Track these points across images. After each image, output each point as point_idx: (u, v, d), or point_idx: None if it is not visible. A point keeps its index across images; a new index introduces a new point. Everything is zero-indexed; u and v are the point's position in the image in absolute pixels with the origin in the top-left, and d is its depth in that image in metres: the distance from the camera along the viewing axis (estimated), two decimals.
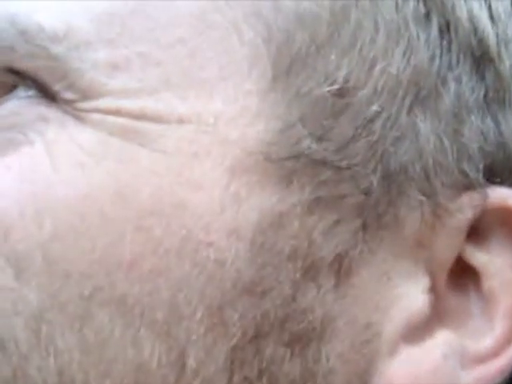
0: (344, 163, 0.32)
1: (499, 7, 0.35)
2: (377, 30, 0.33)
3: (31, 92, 0.34)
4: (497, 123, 0.34)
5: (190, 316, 0.32)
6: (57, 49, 0.34)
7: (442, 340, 0.33)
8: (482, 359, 0.33)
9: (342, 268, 0.32)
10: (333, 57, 0.33)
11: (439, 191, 0.33)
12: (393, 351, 0.33)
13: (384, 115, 0.32)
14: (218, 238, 0.32)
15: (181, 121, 0.33)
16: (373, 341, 0.32)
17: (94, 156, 0.33)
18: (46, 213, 0.33)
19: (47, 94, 0.34)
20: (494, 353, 0.33)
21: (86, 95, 0.34)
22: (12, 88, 0.35)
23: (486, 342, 0.33)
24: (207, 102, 0.33)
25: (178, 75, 0.33)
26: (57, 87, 0.34)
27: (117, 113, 0.33)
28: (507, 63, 0.34)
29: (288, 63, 0.33)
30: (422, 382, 0.32)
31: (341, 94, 0.32)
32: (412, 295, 0.33)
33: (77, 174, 0.33)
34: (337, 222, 0.32)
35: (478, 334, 0.33)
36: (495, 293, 0.33)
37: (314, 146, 0.32)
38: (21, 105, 0.34)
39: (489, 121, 0.34)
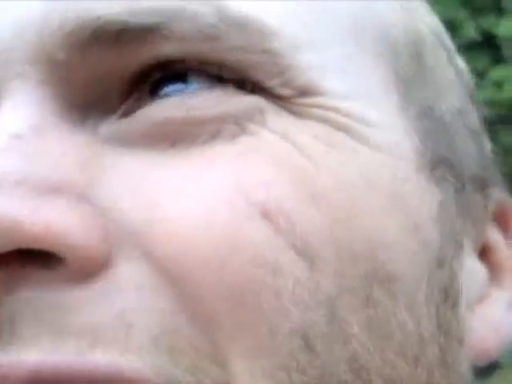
0: (456, 166, 0.40)
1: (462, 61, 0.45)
2: (437, 67, 0.41)
3: (213, 84, 0.34)
4: (486, 145, 0.45)
5: (422, 288, 0.37)
6: (275, 45, 0.35)
7: (495, 296, 0.42)
8: (511, 305, 0.42)
9: (462, 246, 0.40)
10: (428, 86, 0.40)
11: (486, 187, 0.43)
12: (472, 313, 0.40)
13: (458, 134, 0.41)
14: (426, 222, 0.37)
15: (375, 126, 0.37)
16: (467, 305, 0.40)
17: (333, 145, 0.35)
18: (321, 198, 0.34)
19: (249, 88, 0.35)
20: None
21: (305, 92, 0.36)
22: (160, 80, 0.34)
23: (507, 294, 0.42)
24: (382, 112, 0.37)
25: (360, 85, 0.37)
26: (272, 83, 0.35)
27: (336, 110, 0.36)
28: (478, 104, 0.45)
29: (408, 87, 0.39)
30: (499, 331, 0.41)
31: (442, 115, 0.40)
32: (476, 267, 0.41)
33: (329, 160, 0.35)
34: (457, 212, 0.40)
35: (501, 289, 0.42)
36: (503, 262, 0.43)
37: (444, 151, 0.40)
38: (221, 95, 0.34)
39: (484, 142, 0.44)
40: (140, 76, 0.34)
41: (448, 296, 0.38)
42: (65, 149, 0.32)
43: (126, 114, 0.34)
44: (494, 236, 0.43)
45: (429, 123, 0.39)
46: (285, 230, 0.32)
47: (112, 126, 0.34)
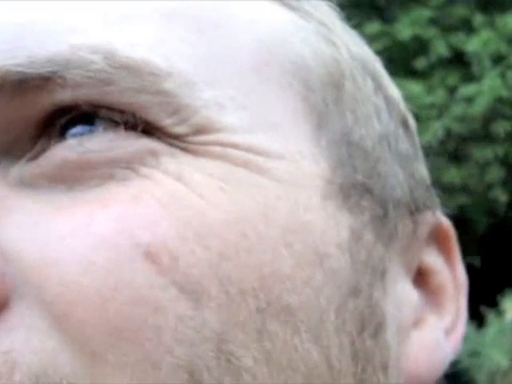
0: (376, 192, 0.40)
1: (395, 89, 0.45)
2: (360, 96, 0.41)
3: (112, 127, 0.34)
4: (422, 168, 0.44)
5: (329, 319, 0.36)
6: (167, 85, 0.35)
7: (432, 322, 0.41)
8: (448, 332, 0.42)
9: (384, 274, 0.39)
10: (347, 113, 0.40)
11: (415, 213, 0.42)
12: (408, 337, 0.40)
13: (381, 160, 0.41)
14: (333, 251, 0.37)
15: (278, 156, 0.36)
16: (397, 332, 0.39)
17: (229, 182, 0.35)
18: (209, 235, 0.33)
19: (142, 128, 0.34)
20: (453, 327, 0.42)
21: (201, 130, 0.35)
22: (63, 125, 0.34)
23: (446, 320, 0.42)
24: (287, 142, 0.37)
25: (259, 118, 0.37)
26: (165, 122, 0.35)
27: (234, 146, 0.35)
28: (412, 129, 0.45)
29: (322, 116, 0.39)
30: (433, 354, 0.40)
31: (360, 141, 0.40)
32: (409, 292, 0.41)
33: (222, 198, 0.34)
34: (377, 237, 0.39)
35: (438, 315, 0.42)
36: (442, 285, 0.42)
37: (360, 177, 0.39)
38: (114, 138, 0.34)
39: (419, 167, 0.44)
40: (46, 120, 0.35)
41: (366, 324, 0.37)
42: None
43: (33, 158, 0.35)
44: (432, 259, 0.42)
45: (344, 150, 0.39)
46: (167, 269, 0.32)
47: (20, 169, 0.35)
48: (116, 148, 0.34)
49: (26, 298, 0.32)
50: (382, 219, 0.40)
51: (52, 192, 0.34)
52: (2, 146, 0.35)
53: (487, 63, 8.43)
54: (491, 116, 8.27)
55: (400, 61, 7.62)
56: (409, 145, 0.44)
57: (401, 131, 0.43)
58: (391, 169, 0.41)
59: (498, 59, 8.44)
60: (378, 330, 0.38)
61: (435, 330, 0.41)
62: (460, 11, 8.87)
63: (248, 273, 0.34)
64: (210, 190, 0.34)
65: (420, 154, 0.45)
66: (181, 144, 0.35)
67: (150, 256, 0.32)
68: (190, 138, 0.35)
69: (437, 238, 0.43)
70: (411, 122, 0.45)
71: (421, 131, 0.49)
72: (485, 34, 8.46)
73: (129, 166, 0.34)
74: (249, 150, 0.36)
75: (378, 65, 0.44)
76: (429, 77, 8.17)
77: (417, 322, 0.40)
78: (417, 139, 0.45)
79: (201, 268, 0.33)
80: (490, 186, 8.33)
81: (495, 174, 8.42)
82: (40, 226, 0.33)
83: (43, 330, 0.32)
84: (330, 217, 0.37)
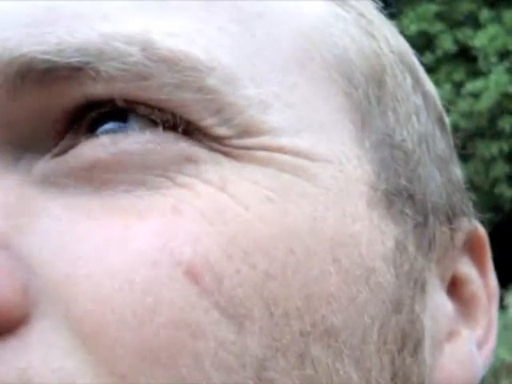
0: (417, 198, 0.37)
1: (431, 84, 0.43)
2: (400, 93, 0.38)
3: (147, 125, 0.32)
4: (458, 171, 0.42)
5: (372, 337, 0.34)
6: (210, 81, 0.32)
7: (465, 335, 0.39)
8: (480, 345, 0.39)
9: (425, 284, 0.37)
10: (389, 113, 0.37)
11: (452, 219, 0.39)
12: (441, 351, 0.38)
13: (421, 162, 0.38)
14: (379, 264, 0.34)
15: (325, 160, 0.34)
16: (432, 345, 0.37)
17: (276, 190, 0.32)
18: (255, 252, 0.31)
19: (182, 129, 0.32)
20: (485, 339, 0.40)
21: (246, 132, 0.32)
22: (94, 121, 0.32)
23: (478, 332, 0.39)
24: (333, 143, 0.34)
25: (306, 117, 0.34)
26: (207, 122, 0.32)
27: (281, 150, 0.33)
28: (448, 128, 0.42)
29: (366, 115, 0.36)
30: (467, 367, 0.38)
31: (401, 143, 0.37)
32: (444, 304, 0.38)
33: (270, 209, 0.32)
34: (418, 247, 0.37)
35: (472, 328, 0.39)
36: (475, 295, 0.40)
37: (403, 182, 0.37)
38: (150, 140, 0.32)
39: (455, 169, 0.41)
40: (75, 114, 0.32)
41: (407, 342, 0.35)
42: None
43: (59, 154, 0.32)
44: (466, 269, 0.40)
45: (387, 152, 0.36)
46: (210, 290, 0.30)
47: (44, 165, 0.32)
48: (152, 152, 0.31)
49: (50, 314, 0.30)
50: (422, 227, 0.37)
51: (79, 194, 0.32)
52: (25, 139, 0.33)
53: (494, 58, 8.40)
54: (497, 112, 8.25)
55: None
56: (445, 145, 0.41)
57: (437, 131, 0.41)
58: (430, 172, 0.39)
59: (504, 54, 8.42)
60: (417, 346, 0.36)
61: (468, 343, 0.39)
62: (467, 6, 8.85)
63: (294, 292, 0.31)
64: (256, 200, 0.32)
65: (455, 155, 0.42)
66: (224, 148, 0.32)
67: (192, 275, 0.30)
68: (234, 141, 0.32)
69: (471, 245, 0.41)
70: (446, 120, 0.42)
71: None
72: (491, 29, 8.44)
73: (165, 173, 0.32)
74: (296, 153, 0.33)
75: (414, 58, 0.41)
76: (435, 72, 8.14)
77: (450, 335, 0.38)
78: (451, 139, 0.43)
79: (246, 289, 0.31)
80: (495, 182, 8.32)
81: (500, 169, 8.40)
82: (70, 235, 0.31)
83: (66, 348, 0.30)
84: (375, 227, 0.35)
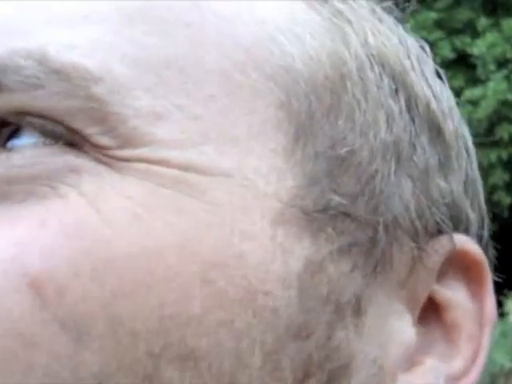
0: (358, 215, 0.35)
1: (437, 86, 0.40)
2: (366, 99, 0.36)
3: (41, 138, 0.33)
4: (448, 183, 0.38)
5: (251, 364, 0.32)
6: (97, 89, 0.32)
7: (429, 366, 0.36)
8: (457, 379, 0.36)
9: (359, 309, 0.34)
10: (340, 122, 0.35)
11: (421, 237, 0.36)
12: (394, 380, 0.35)
13: (379, 174, 0.36)
14: (272, 286, 0.33)
15: (225, 174, 0.33)
16: (378, 374, 0.35)
17: (148, 207, 0.32)
18: (106, 270, 0.31)
19: (70, 140, 0.32)
20: (465, 372, 0.36)
21: (127, 143, 0.32)
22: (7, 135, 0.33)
23: (457, 363, 0.36)
24: (243, 158, 0.33)
25: (214, 130, 0.33)
26: (90, 131, 0.32)
27: (164, 163, 0.32)
28: (448, 134, 0.39)
29: (305, 125, 0.35)
30: None
31: (350, 154, 0.35)
32: (403, 330, 0.36)
33: (134, 227, 0.31)
34: (353, 267, 0.34)
35: (447, 358, 0.36)
36: (458, 322, 0.37)
37: (337, 198, 0.34)
38: (39, 153, 0.32)
39: (443, 181, 0.38)
40: None
41: (316, 371, 0.34)
42: None
43: None
44: (449, 292, 0.37)
45: (325, 165, 0.35)
46: (51, 303, 0.30)
47: None
48: (40, 163, 0.32)
49: None
50: (365, 246, 0.35)
51: None
52: None
53: (492, 66, 8.42)
54: (496, 119, 8.26)
55: None
56: (434, 154, 0.38)
57: (425, 138, 0.38)
58: (395, 185, 0.36)
59: (503, 62, 8.43)
60: (338, 375, 0.34)
61: (430, 375, 0.36)
62: (465, 14, 8.86)
63: (145, 313, 0.31)
64: (122, 217, 0.31)
65: (453, 164, 0.39)
66: (106, 159, 0.32)
67: (36, 287, 0.30)
68: (116, 152, 0.32)
69: (460, 266, 0.37)
70: (449, 126, 0.39)
71: None
72: (490, 37, 8.45)
73: (49, 183, 0.32)
74: (184, 167, 0.33)
75: (406, 60, 0.39)
76: None
77: (408, 364, 0.36)
78: (456, 148, 0.39)
79: (89, 305, 0.30)
80: (493, 189, 8.32)
81: (499, 177, 8.40)
82: None
83: None
84: (278, 247, 0.33)
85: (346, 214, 0.35)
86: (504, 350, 5.08)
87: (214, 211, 0.32)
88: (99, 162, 0.32)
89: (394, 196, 0.36)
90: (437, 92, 0.39)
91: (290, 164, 0.34)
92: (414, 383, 0.35)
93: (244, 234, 0.33)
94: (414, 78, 0.38)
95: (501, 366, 4.98)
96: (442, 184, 0.38)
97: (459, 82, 8.44)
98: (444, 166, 0.38)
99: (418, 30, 8.08)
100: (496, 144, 8.32)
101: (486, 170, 8.36)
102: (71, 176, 0.32)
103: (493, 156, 8.31)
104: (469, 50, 8.54)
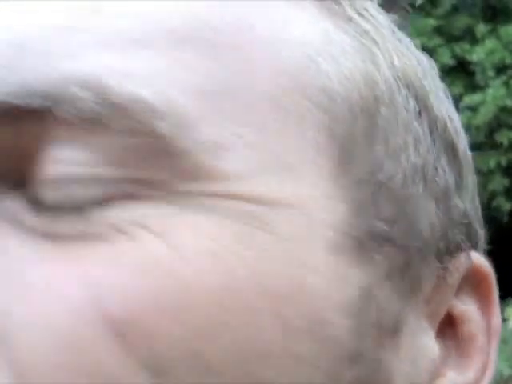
0: (397, 239, 0.35)
1: (449, 104, 0.40)
2: (397, 122, 0.36)
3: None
4: (463, 202, 0.39)
5: None
6: (161, 125, 0.31)
7: (449, 378, 0.37)
8: None
9: (397, 330, 0.35)
10: (377, 146, 0.35)
11: (445, 257, 0.37)
12: None
13: (411, 198, 0.36)
14: (335, 316, 0.33)
15: (287, 204, 0.32)
16: None
17: (221, 243, 0.31)
18: (186, 308, 0.30)
19: (135, 180, 0.31)
20: (476, 382, 0.37)
21: (194, 178, 0.31)
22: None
23: (470, 375, 0.37)
24: (299, 185, 0.33)
25: (271, 159, 0.33)
26: (156, 169, 0.31)
27: (232, 196, 0.32)
28: (461, 152, 0.39)
29: (347, 149, 0.34)
30: None
31: (387, 179, 0.35)
32: (430, 345, 0.37)
33: (210, 264, 0.31)
34: (393, 291, 0.35)
35: (462, 369, 0.37)
36: (472, 335, 0.37)
37: (380, 224, 0.35)
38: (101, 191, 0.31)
39: (459, 201, 0.38)
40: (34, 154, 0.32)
41: None
42: None
43: (23, 193, 0.32)
44: (464, 307, 0.38)
45: (369, 191, 0.35)
46: (131, 343, 0.30)
47: (11, 204, 0.32)
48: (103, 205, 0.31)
49: None
50: (402, 269, 0.35)
51: (38, 237, 0.31)
52: None
53: (491, 72, 8.42)
54: (495, 125, 8.26)
55: None
56: (452, 175, 0.38)
57: (444, 160, 0.38)
58: (423, 208, 0.37)
59: (502, 69, 8.44)
60: None
61: None
62: (464, 21, 8.88)
63: (222, 348, 0.31)
64: (197, 254, 0.31)
65: (465, 182, 0.39)
66: (173, 196, 0.31)
67: (116, 329, 0.30)
68: (182, 188, 0.31)
69: (473, 283, 0.38)
70: (462, 145, 0.40)
71: None
72: (489, 44, 8.46)
73: (117, 225, 0.31)
74: (250, 199, 0.32)
75: (424, 81, 0.39)
76: None
77: (433, 376, 0.37)
78: (467, 166, 0.40)
79: (172, 345, 0.30)
80: (493, 195, 8.32)
81: (498, 183, 8.41)
82: (15, 277, 0.31)
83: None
84: (336, 276, 0.33)
85: (389, 240, 0.35)
86: (503, 356, 5.08)
87: (281, 244, 0.32)
88: (167, 199, 0.31)
89: (423, 219, 0.36)
90: (450, 111, 0.40)
91: (338, 190, 0.34)
92: None
93: (308, 265, 0.32)
94: (433, 98, 0.39)
95: (500, 372, 4.98)
96: (459, 203, 0.38)
97: (458, 88, 8.45)
98: (459, 186, 0.39)
99: (418, 36, 8.09)
100: (496, 150, 8.32)
101: (485, 176, 8.36)
102: (140, 217, 0.31)
103: (492, 162, 8.31)
104: (468, 57, 8.55)
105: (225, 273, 0.31)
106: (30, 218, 0.31)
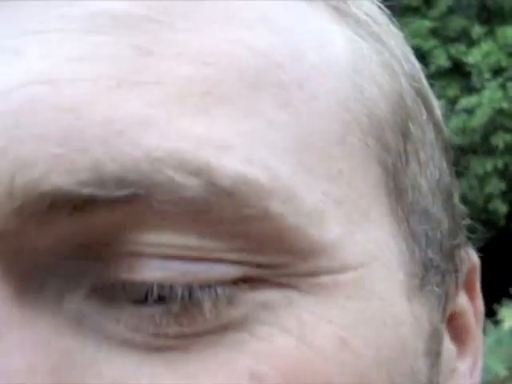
0: (439, 263, 0.34)
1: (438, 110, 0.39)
2: (423, 136, 0.34)
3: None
4: (457, 200, 0.38)
5: None
6: (273, 204, 0.28)
7: (461, 368, 0.37)
8: (471, 372, 0.38)
9: (441, 349, 0.35)
10: (413, 164, 0.33)
11: (458, 264, 0.37)
12: None
13: (439, 215, 0.35)
14: (421, 361, 0.32)
15: (375, 259, 0.30)
16: None
17: (348, 329, 0.29)
18: None
19: (249, 272, 0.28)
20: (474, 365, 0.38)
21: (307, 256, 0.28)
22: None
23: (468, 360, 0.38)
24: (376, 233, 0.31)
25: (354, 212, 0.30)
26: (270, 254, 0.28)
27: (343, 269, 0.29)
28: (451, 153, 0.38)
29: (399, 180, 0.32)
30: None
31: (425, 202, 0.34)
32: (450, 348, 0.37)
33: (345, 356, 0.29)
34: (438, 312, 0.34)
35: (463, 357, 0.38)
36: (468, 324, 0.38)
37: (431, 254, 0.34)
38: (223, 297, 0.28)
39: (457, 200, 0.38)
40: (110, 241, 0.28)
41: None
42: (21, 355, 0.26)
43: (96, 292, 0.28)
44: (460, 300, 0.37)
45: (417, 220, 0.33)
46: None
47: (82, 302, 0.28)
48: (227, 309, 0.28)
49: None
50: (441, 293, 0.35)
51: (139, 349, 0.28)
52: (50, 268, 0.28)
53: (487, 75, 8.43)
54: (491, 128, 8.27)
55: None
56: (450, 175, 0.37)
57: (444, 162, 0.37)
58: (444, 221, 0.35)
59: (498, 71, 8.44)
60: None
61: (462, 376, 0.37)
62: (460, 22, 8.88)
63: None
64: (333, 347, 0.28)
65: (455, 180, 0.38)
66: (291, 279, 0.28)
67: None
68: (299, 269, 0.28)
69: (466, 275, 0.38)
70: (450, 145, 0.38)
71: None
72: (485, 46, 8.46)
73: (243, 326, 0.28)
74: (355, 266, 0.29)
75: (423, 79, 0.37)
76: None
77: (451, 373, 0.37)
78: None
79: None
80: (489, 198, 8.33)
81: (495, 185, 8.41)
82: None
83: None
84: (416, 321, 0.32)
85: (437, 267, 0.34)
86: (498, 357, 5.08)
87: (382, 307, 0.30)
88: (286, 286, 0.28)
89: (445, 233, 0.35)
90: (440, 113, 0.38)
91: (397, 225, 0.32)
92: None
93: (398, 319, 0.31)
94: (432, 99, 0.37)
95: (495, 373, 4.98)
96: (457, 203, 0.37)
97: (454, 90, 8.45)
98: (455, 185, 0.38)
99: (413, 38, 8.10)
100: (492, 153, 8.33)
101: (481, 179, 8.37)
102: (265, 314, 0.28)
103: (488, 165, 8.31)
104: (464, 59, 8.55)
105: (357, 361, 0.29)
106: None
